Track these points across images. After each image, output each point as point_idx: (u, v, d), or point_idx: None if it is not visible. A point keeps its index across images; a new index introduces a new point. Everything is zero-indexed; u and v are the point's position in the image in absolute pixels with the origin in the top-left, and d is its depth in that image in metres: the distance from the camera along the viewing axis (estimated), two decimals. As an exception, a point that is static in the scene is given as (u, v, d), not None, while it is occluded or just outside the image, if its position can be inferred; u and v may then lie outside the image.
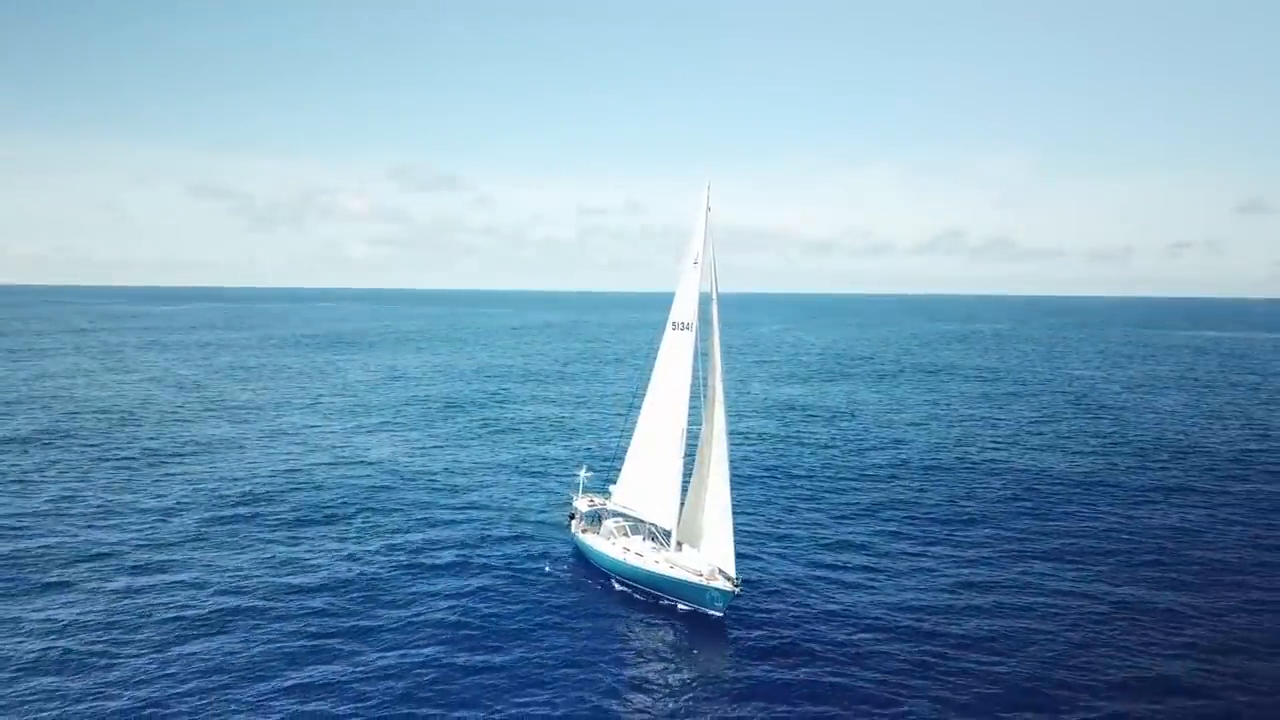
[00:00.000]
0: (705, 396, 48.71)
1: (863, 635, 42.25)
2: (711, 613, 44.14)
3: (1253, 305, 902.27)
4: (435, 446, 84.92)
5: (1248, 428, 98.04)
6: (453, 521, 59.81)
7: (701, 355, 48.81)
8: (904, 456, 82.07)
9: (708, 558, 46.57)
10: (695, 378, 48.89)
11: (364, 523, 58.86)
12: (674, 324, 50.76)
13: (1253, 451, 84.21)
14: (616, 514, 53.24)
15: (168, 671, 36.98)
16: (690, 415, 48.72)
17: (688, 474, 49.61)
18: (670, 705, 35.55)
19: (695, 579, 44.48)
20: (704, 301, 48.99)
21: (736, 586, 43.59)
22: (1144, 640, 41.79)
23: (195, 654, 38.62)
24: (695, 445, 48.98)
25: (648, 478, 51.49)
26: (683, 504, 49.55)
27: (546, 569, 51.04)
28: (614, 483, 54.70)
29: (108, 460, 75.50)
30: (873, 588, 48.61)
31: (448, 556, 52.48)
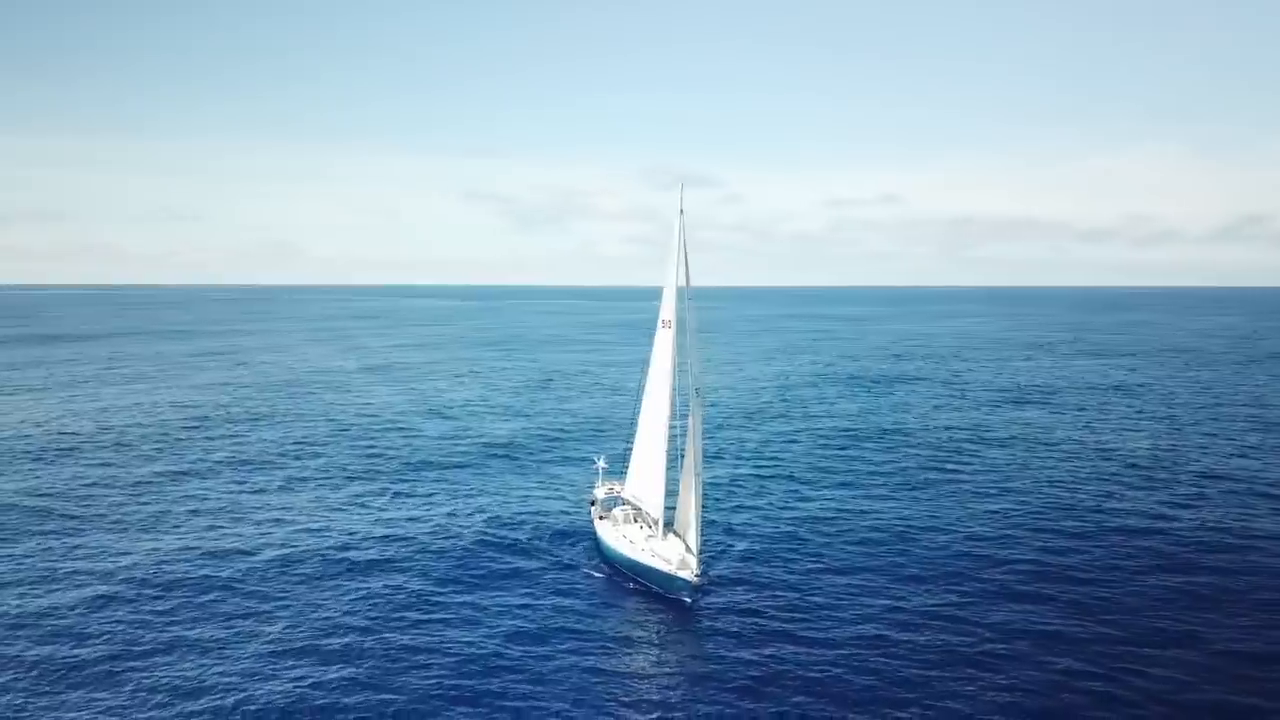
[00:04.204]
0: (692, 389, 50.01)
1: (839, 625, 42.70)
2: (683, 599, 45.49)
3: None
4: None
5: None
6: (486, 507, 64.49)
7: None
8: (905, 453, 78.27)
9: (683, 546, 48.41)
10: (679, 372, 50.70)
11: (395, 490, 66.05)
12: (662, 322, 52.97)
13: None
14: (625, 502, 55.62)
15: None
16: (684, 409, 50.22)
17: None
18: (631, 688, 37.13)
19: (664, 566, 46.07)
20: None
21: (697, 575, 44.75)
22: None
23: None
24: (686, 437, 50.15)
25: (643, 467, 53.83)
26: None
27: (560, 555, 53.47)
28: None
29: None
30: (857, 582, 48.16)
31: (480, 543, 56.03)
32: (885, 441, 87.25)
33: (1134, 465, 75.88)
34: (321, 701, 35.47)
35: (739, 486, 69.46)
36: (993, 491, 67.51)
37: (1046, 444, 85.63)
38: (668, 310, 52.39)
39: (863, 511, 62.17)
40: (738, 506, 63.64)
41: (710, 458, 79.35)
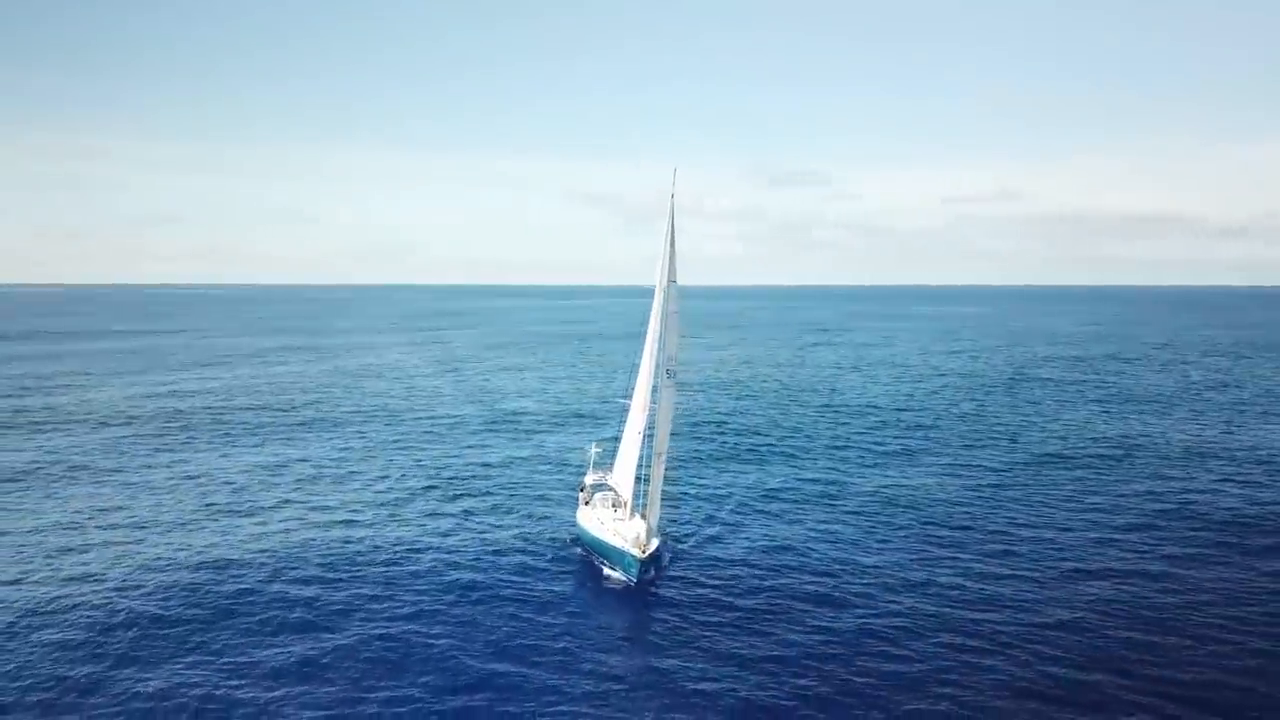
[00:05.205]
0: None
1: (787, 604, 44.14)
2: (630, 574, 46.42)
3: None
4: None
5: None
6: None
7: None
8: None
9: (645, 525, 49.14)
10: (659, 354, 51.94)
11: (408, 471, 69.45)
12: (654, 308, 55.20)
13: None
14: (610, 489, 56.00)
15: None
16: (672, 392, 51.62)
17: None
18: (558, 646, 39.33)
19: (619, 543, 47.32)
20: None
21: (643, 553, 45.89)
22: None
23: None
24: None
25: (623, 452, 55.13)
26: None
27: (542, 539, 55.09)
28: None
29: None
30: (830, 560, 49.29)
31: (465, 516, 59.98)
32: (903, 434, 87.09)
33: (1149, 465, 73.88)
34: (279, 633, 39.60)
35: (735, 472, 71.16)
36: (986, 491, 66.50)
37: (1080, 443, 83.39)
38: (658, 294, 54.11)
39: (842, 496, 63.43)
40: (726, 490, 65.87)
41: (723, 446, 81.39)
